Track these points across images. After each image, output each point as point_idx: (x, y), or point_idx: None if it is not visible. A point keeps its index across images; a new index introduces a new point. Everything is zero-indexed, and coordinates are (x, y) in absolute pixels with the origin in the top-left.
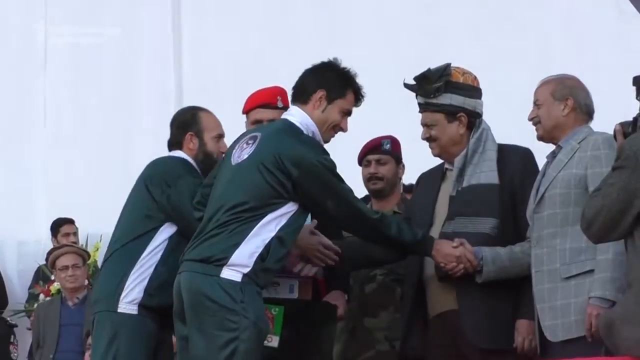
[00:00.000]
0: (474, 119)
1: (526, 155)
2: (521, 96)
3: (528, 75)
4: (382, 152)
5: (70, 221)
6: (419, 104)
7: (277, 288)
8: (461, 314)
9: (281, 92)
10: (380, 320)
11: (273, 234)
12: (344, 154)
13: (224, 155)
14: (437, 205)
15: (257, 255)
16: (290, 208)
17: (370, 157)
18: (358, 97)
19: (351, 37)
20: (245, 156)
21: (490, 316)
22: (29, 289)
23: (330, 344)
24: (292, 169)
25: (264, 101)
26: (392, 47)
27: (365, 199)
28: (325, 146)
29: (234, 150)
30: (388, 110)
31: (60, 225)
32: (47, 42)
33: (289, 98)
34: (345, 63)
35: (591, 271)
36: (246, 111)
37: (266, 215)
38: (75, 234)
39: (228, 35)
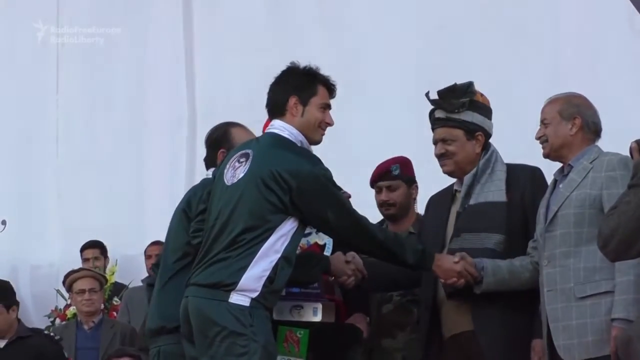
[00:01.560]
0: (487, 140)
1: (535, 173)
2: (533, 113)
3: (540, 92)
4: (391, 177)
5: (92, 245)
6: (438, 118)
7: (301, 311)
8: (477, 335)
9: None
10: (397, 341)
11: (279, 255)
12: (358, 174)
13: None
14: (447, 226)
15: (265, 278)
16: (291, 225)
17: (381, 183)
18: (330, 88)
19: (360, 54)
20: (241, 175)
21: (505, 336)
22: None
23: None
24: (291, 181)
25: None
26: (403, 65)
27: (381, 222)
28: (346, 167)
29: (226, 171)
30: (396, 121)
31: (82, 250)
32: (59, 65)
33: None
34: (357, 84)
35: (607, 292)
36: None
37: (271, 236)
38: (98, 258)
39: (240, 56)
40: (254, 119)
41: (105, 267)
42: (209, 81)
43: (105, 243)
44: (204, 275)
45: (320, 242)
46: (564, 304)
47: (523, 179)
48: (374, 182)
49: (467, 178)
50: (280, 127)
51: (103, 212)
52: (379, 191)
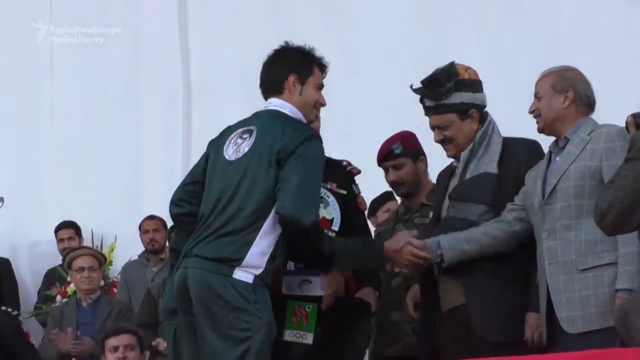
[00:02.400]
0: (482, 112)
1: (533, 146)
2: (529, 87)
3: (536, 66)
4: (395, 156)
5: (66, 225)
6: (428, 107)
7: (309, 286)
8: (469, 309)
9: None
10: (406, 314)
11: (279, 231)
12: (356, 150)
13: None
14: (444, 201)
15: (268, 255)
16: None
17: (386, 164)
18: (323, 68)
19: (356, 32)
20: (246, 149)
21: (498, 309)
22: (39, 291)
23: (365, 341)
24: (292, 145)
25: None
26: (398, 39)
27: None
28: (342, 142)
29: (226, 145)
30: (394, 104)
31: (57, 231)
32: (53, 44)
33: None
34: (352, 59)
35: (610, 264)
36: None
37: (272, 211)
38: (72, 238)
39: (234, 33)
40: (249, 94)
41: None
42: (204, 57)
43: (102, 219)
44: (209, 248)
45: (328, 217)
46: (566, 276)
47: (519, 152)
48: (380, 164)
49: (464, 154)
50: (279, 104)
51: (100, 189)
52: (386, 171)
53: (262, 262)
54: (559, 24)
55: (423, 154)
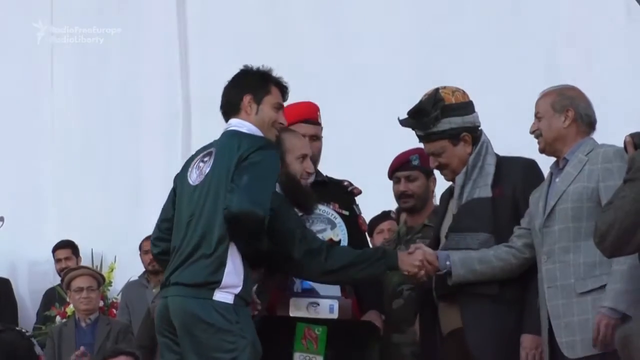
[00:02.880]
0: (475, 133)
1: (528, 165)
2: (528, 104)
3: (535, 83)
4: (411, 168)
5: (64, 245)
6: (419, 135)
7: (317, 308)
8: (466, 332)
9: (318, 108)
10: (407, 336)
11: None
12: (357, 165)
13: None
14: (443, 223)
15: (243, 273)
16: None
17: (399, 174)
18: (282, 89)
19: (356, 49)
20: (207, 171)
21: (494, 333)
22: (38, 312)
23: None
24: (244, 155)
25: (307, 117)
26: (398, 57)
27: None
28: (335, 160)
29: (190, 172)
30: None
31: (54, 251)
32: (53, 61)
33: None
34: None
35: None
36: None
37: None
38: (69, 258)
39: (235, 51)
40: None
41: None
42: (204, 76)
43: (102, 239)
44: (186, 274)
45: (335, 238)
46: (565, 300)
47: (515, 172)
48: (392, 173)
49: (459, 178)
50: (238, 124)
51: (99, 209)
52: (397, 181)
53: (240, 280)
54: (558, 41)
55: (434, 175)
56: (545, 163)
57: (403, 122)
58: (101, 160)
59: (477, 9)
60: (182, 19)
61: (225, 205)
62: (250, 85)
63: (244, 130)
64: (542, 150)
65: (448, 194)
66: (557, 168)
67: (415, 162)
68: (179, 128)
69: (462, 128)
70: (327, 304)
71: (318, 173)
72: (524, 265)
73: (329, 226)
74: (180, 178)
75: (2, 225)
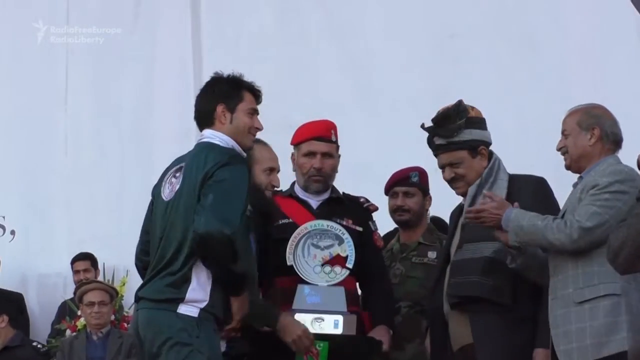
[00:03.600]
0: (489, 150)
1: (538, 183)
2: (541, 122)
3: (548, 101)
4: (409, 184)
5: (83, 257)
6: (439, 145)
7: (322, 324)
8: (476, 348)
9: (334, 126)
10: (405, 353)
11: None
12: (368, 183)
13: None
14: (454, 240)
15: (210, 286)
16: None
17: (398, 189)
18: (255, 93)
19: (369, 67)
20: (177, 187)
21: (505, 348)
22: (53, 324)
23: None
24: (211, 171)
25: (319, 134)
26: (412, 76)
27: (391, 233)
28: (349, 177)
29: (163, 187)
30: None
31: (73, 262)
32: (68, 75)
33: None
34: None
35: (605, 295)
36: (298, 142)
37: None
38: (88, 270)
39: (248, 64)
40: (261, 112)
41: (96, 279)
42: None
43: (113, 253)
44: (152, 290)
45: (343, 254)
46: (564, 310)
47: (526, 189)
48: (390, 187)
49: (471, 189)
50: (210, 135)
51: (111, 222)
52: (394, 196)
53: (205, 295)
54: (571, 59)
55: (430, 195)
56: (559, 179)
57: (427, 129)
58: (113, 173)
59: (491, 28)
60: (196, 27)
61: (193, 228)
62: (222, 94)
63: (215, 141)
64: (567, 167)
65: (458, 211)
66: (576, 185)
67: (415, 179)
68: (192, 142)
69: (482, 141)
70: (332, 319)
71: (333, 189)
72: (566, 244)
73: (336, 242)
74: (157, 193)
75: (13, 238)
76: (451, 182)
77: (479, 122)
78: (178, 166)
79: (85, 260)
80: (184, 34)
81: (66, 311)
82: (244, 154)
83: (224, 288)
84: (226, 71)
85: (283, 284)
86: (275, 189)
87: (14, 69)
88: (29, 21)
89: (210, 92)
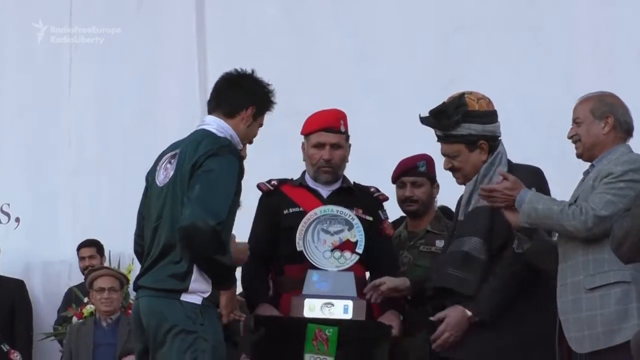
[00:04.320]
0: (494, 142)
1: (531, 173)
2: (548, 115)
3: (555, 94)
4: (417, 174)
5: (88, 244)
6: (438, 135)
7: (332, 309)
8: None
9: (343, 116)
10: (415, 340)
11: None
12: (376, 173)
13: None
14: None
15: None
16: None
17: (405, 179)
18: (271, 110)
19: (377, 58)
20: (171, 173)
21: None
22: (59, 311)
23: None
24: (201, 159)
25: (329, 125)
26: (419, 67)
27: (398, 221)
28: (355, 165)
29: (158, 172)
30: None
31: (79, 249)
32: (71, 65)
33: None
34: (373, 84)
35: (616, 282)
36: (307, 133)
37: None
38: (94, 257)
39: (253, 57)
40: (267, 119)
41: (101, 265)
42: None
43: (119, 240)
44: (153, 280)
45: (353, 239)
46: (574, 296)
47: (520, 179)
48: (397, 177)
49: (468, 186)
50: (210, 121)
51: (116, 209)
52: (402, 186)
53: (208, 286)
54: (578, 53)
55: (437, 182)
56: (567, 169)
57: (424, 120)
58: (117, 160)
59: (499, 19)
60: (201, 22)
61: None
62: (259, 99)
63: (212, 129)
64: (579, 155)
65: (460, 202)
66: (585, 175)
67: (422, 169)
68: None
69: (481, 136)
70: (342, 304)
71: (344, 179)
72: (581, 232)
73: (346, 227)
74: (151, 178)
75: (18, 225)
76: (450, 171)
77: (483, 116)
78: (173, 152)
79: (90, 247)
80: (188, 25)
81: (72, 298)
82: (240, 145)
83: (212, 281)
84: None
85: (292, 271)
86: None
87: (18, 63)
88: (29, 21)
89: (249, 89)
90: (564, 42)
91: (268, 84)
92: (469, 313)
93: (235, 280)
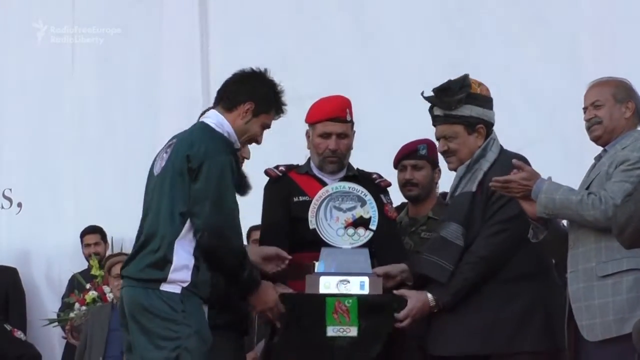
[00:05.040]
0: (489, 129)
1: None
2: (550, 96)
3: (558, 75)
4: (418, 157)
5: (92, 230)
6: (437, 116)
7: (348, 285)
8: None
9: (348, 104)
10: (417, 328)
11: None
12: (379, 157)
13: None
14: None
15: (191, 268)
16: None
17: (406, 162)
18: (280, 112)
19: (380, 40)
20: (164, 163)
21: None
22: (63, 297)
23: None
24: (195, 162)
25: (335, 115)
26: (422, 48)
27: (400, 207)
28: (356, 149)
29: (155, 161)
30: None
31: (83, 236)
32: (74, 48)
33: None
34: (376, 67)
35: (629, 270)
36: (313, 122)
37: (185, 224)
38: (98, 243)
39: (255, 40)
40: None
41: (105, 252)
42: (224, 66)
43: (120, 226)
44: (135, 269)
45: (366, 215)
46: (586, 284)
47: (497, 168)
48: (398, 161)
49: (460, 169)
50: (211, 115)
51: (118, 195)
52: (402, 169)
53: (187, 276)
54: (581, 33)
55: (439, 167)
56: (566, 153)
57: (427, 97)
58: (119, 146)
59: (501, 1)
60: (204, 5)
61: (196, 227)
62: (260, 96)
63: (210, 122)
64: (597, 138)
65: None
66: (598, 159)
67: (423, 152)
68: (198, 115)
69: (481, 119)
70: (358, 281)
71: (349, 167)
72: (601, 221)
73: (359, 203)
74: (152, 165)
75: (20, 211)
76: (444, 155)
77: (483, 100)
78: (170, 142)
79: (94, 234)
80: (191, 8)
81: (75, 285)
82: (238, 145)
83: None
84: (233, 45)
85: (299, 259)
86: (247, 160)
87: (18, 63)
88: (29, 21)
89: (252, 85)
90: (568, 25)
91: (277, 85)
92: (432, 302)
93: (255, 283)
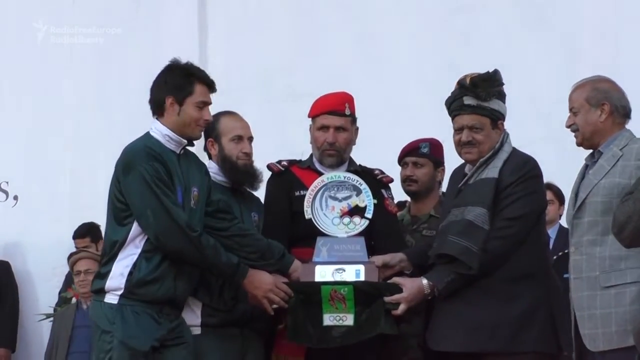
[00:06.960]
0: (503, 126)
1: (525, 161)
2: (551, 94)
3: (558, 73)
4: (419, 155)
5: (82, 234)
6: (467, 105)
7: (343, 274)
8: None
9: (349, 99)
10: (413, 326)
11: (139, 250)
12: (377, 155)
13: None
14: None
15: (125, 275)
16: None
17: (408, 159)
18: (209, 84)
19: (379, 40)
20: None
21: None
22: (60, 292)
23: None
24: (122, 177)
25: (333, 108)
26: (422, 47)
27: (401, 204)
28: (364, 148)
29: None
30: (417, 112)
31: (74, 238)
32: (74, 48)
33: None
34: (374, 65)
35: (633, 282)
36: (313, 116)
37: (128, 235)
38: (88, 247)
39: (254, 36)
40: (268, 98)
41: (97, 250)
42: (224, 65)
43: None
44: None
45: (361, 204)
46: (589, 293)
47: (509, 169)
48: (401, 158)
49: (481, 161)
50: (152, 124)
51: None
52: (404, 166)
53: (121, 282)
54: (581, 31)
55: (443, 166)
56: (565, 153)
57: (462, 83)
58: (116, 144)
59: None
60: (203, 5)
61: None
62: (173, 86)
63: (154, 133)
64: (579, 144)
65: (460, 177)
66: (592, 160)
67: (425, 150)
68: None
69: (503, 115)
70: (353, 269)
71: (351, 162)
72: None
73: (354, 192)
74: None
75: (16, 203)
76: (465, 146)
77: (504, 97)
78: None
79: (84, 238)
80: (191, 7)
81: (71, 279)
82: (184, 142)
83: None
84: (232, 40)
85: (298, 254)
86: (247, 155)
87: (18, 63)
88: (29, 21)
89: (162, 82)
90: (568, 24)
91: (188, 65)
92: (427, 289)
93: (243, 272)
